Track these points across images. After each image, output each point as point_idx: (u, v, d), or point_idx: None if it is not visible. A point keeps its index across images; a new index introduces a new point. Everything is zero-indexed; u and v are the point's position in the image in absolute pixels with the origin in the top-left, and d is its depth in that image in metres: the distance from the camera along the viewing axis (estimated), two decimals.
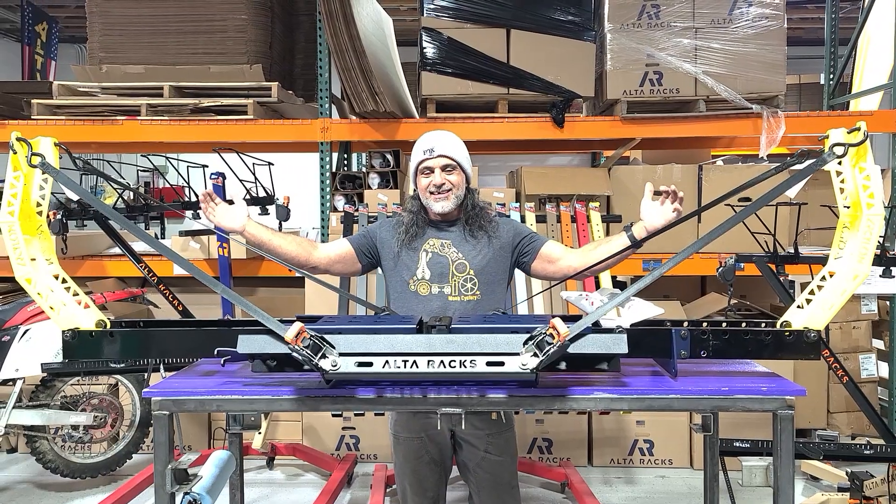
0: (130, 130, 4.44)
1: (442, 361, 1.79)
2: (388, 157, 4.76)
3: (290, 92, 4.75)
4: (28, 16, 8.16)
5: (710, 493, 2.51)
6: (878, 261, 2.95)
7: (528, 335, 1.79)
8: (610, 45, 4.26)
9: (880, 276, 3.01)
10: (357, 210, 4.41)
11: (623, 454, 4.35)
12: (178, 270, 3.99)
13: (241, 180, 4.37)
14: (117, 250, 4.19)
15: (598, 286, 3.96)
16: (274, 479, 4.21)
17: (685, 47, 4.22)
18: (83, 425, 3.84)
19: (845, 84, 5.90)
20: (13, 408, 3.67)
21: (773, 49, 4.23)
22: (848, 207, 1.96)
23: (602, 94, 4.43)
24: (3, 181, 2.47)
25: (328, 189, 4.64)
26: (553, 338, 1.75)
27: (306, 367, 1.80)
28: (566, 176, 4.76)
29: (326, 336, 1.80)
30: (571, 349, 1.80)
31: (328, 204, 4.64)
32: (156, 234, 5.19)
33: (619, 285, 4.38)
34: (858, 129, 1.92)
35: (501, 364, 1.78)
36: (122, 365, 3.79)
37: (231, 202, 2.42)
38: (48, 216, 2.16)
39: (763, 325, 1.99)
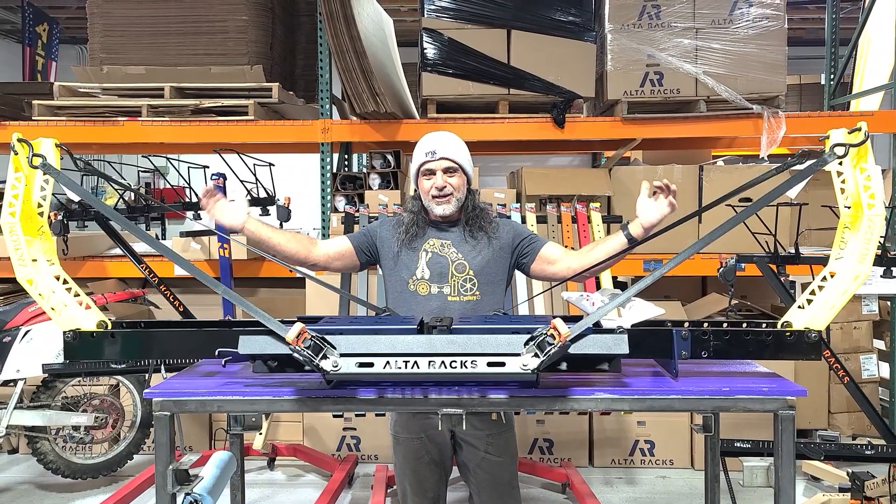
0: (131, 131, 4.44)
1: (443, 362, 1.79)
2: (389, 157, 4.76)
3: (291, 93, 4.75)
4: (29, 17, 8.17)
5: (711, 493, 2.51)
6: (878, 261, 2.95)
7: (529, 336, 1.79)
8: (610, 45, 4.26)
9: (881, 276, 3.01)
10: (358, 211, 4.41)
11: (624, 454, 4.35)
12: (178, 271, 4.00)
13: (241, 181, 4.37)
14: (118, 251, 4.19)
15: (598, 287, 3.96)
16: (275, 479, 4.21)
17: (686, 48, 4.22)
18: (84, 426, 3.84)
19: (846, 84, 5.90)
20: (14, 409, 3.67)
21: (774, 49, 4.23)
22: (849, 208, 1.96)
23: (602, 94, 4.43)
24: (4, 182, 2.47)
25: (329, 190, 4.64)
26: (554, 338, 1.75)
27: (307, 367, 1.80)
28: (567, 176, 4.76)
29: (327, 336, 1.80)
30: (572, 350, 1.81)
31: (329, 205, 4.64)
32: (157, 235, 5.20)
33: (620, 286, 4.38)
34: (859, 129, 1.92)
35: (502, 364, 1.78)
36: (123, 366, 3.80)
37: (232, 202, 2.43)
38: (49, 217, 2.15)
39: (764, 325, 1.99)
